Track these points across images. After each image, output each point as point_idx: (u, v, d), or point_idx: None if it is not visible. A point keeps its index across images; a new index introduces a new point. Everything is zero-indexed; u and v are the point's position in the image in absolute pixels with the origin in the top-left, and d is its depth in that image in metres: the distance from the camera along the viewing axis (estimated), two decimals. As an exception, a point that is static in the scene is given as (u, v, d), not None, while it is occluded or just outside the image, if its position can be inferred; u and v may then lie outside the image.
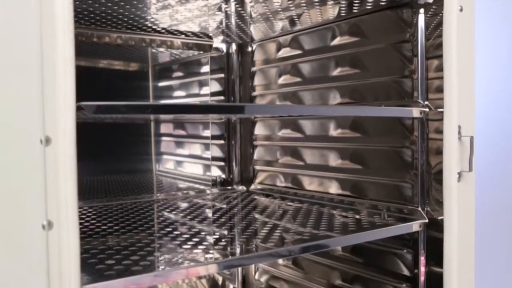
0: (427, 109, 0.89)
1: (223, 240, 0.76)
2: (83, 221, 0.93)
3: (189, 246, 0.73)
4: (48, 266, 0.49)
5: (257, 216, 0.94)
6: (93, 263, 0.64)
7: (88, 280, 0.55)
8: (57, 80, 0.47)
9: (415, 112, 0.88)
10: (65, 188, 0.48)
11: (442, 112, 0.85)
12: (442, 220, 0.87)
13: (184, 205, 1.12)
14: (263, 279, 1.32)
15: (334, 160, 1.10)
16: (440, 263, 0.88)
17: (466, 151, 0.85)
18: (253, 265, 1.36)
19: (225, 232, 0.82)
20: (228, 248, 0.72)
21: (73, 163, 0.48)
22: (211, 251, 0.70)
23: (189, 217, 0.96)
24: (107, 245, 0.73)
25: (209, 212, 1.01)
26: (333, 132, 1.10)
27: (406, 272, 0.95)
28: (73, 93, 0.48)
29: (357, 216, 0.93)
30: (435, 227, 0.89)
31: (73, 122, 0.48)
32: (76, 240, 0.49)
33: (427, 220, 0.90)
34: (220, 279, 1.39)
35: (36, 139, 0.48)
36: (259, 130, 1.32)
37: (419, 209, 0.91)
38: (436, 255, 0.89)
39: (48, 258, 0.49)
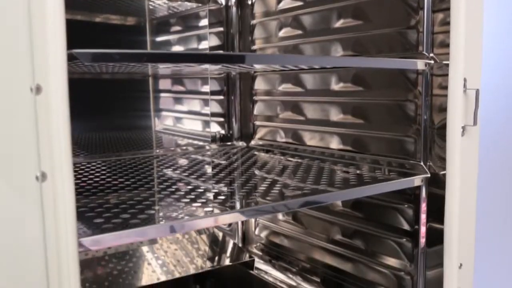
0: (432, 61, 0.86)
1: (222, 195, 0.75)
2: (81, 176, 0.92)
3: (187, 200, 0.72)
4: (44, 219, 0.48)
5: (256, 171, 0.93)
6: (90, 216, 0.63)
7: (86, 233, 0.54)
8: (46, 24, 0.45)
9: (420, 64, 0.86)
10: (58, 138, 0.46)
11: (447, 65, 0.83)
12: (444, 175, 0.86)
13: (183, 160, 1.10)
14: (263, 234, 1.33)
15: (335, 115, 1.08)
16: (440, 220, 0.87)
17: (471, 105, 0.83)
18: (253, 221, 1.36)
19: (224, 187, 0.81)
20: (227, 203, 0.71)
21: (66, 112, 0.46)
22: (210, 205, 0.69)
23: (188, 172, 0.95)
24: (105, 199, 0.72)
25: (208, 168, 1.00)
26: (335, 86, 1.07)
27: (406, 227, 0.95)
28: (63, 38, 0.45)
29: (358, 171, 0.92)
30: (437, 183, 0.88)
31: (65, 70, 0.46)
32: (71, 191, 0.47)
33: (429, 175, 0.88)
34: (220, 235, 1.39)
35: (26, 88, 0.46)
36: (259, 85, 1.30)
37: (421, 163, 0.90)
38: (437, 212, 0.88)
39: (43, 210, 0.48)
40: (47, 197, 0.48)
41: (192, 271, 1.13)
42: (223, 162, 1.07)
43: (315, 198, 0.74)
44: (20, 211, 0.47)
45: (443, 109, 0.85)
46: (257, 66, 1.03)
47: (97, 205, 0.69)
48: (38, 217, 0.48)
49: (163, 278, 1.06)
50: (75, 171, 0.97)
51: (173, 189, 0.79)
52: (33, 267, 0.49)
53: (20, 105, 0.46)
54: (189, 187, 0.81)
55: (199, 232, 1.35)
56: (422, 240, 0.92)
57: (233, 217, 0.67)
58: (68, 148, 0.47)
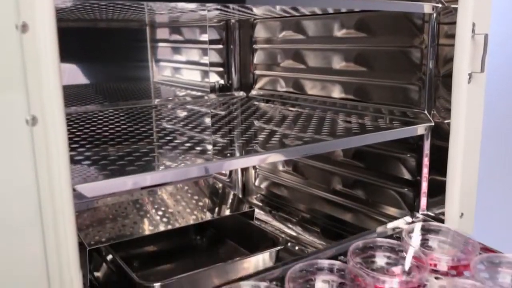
0: (439, 5, 0.83)
1: (219, 144, 0.74)
2: (77, 125, 0.90)
3: (186, 148, 0.70)
4: (36, 165, 0.47)
5: (256, 121, 0.91)
6: (86, 164, 0.61)
7: (80, 179, 0.53)
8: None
9: (427, 7, 0.82)
10: (47, 79, 0.44)
11: (455, 10, 0.80)
12: (448, 124, 0.84)
13: (181, 110, 1.08)
14: (263, 185, 1.32)
15: (337, 63, 1.05)
16: (443, 171, 0.86)
17: (478, 51, 0.80)
18: (253, 172, 1.35)
19: (223, 137, 0.79)
20: (226, 152, 0.69)
21: (55, 51, 0.44)
22: (208, 153, 0.68)
23: (186, 121, 0.93)
24: (102, 147, 0.70)
25: (206, 118, 0.98)
26: (337, 32, 1.04)
27: (408, 176, 0.94)
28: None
29: (361, 121, 0.90)
30: (440, 134, 0.86)
31: (52, 5, 0.43)
32: (64, 135, 0.46)
33: (433, 124, 0.87)
34: (220, 186, 1.39)
35: (11, 25, 0.43)
36: (259, 32, 1.26)
37: (425, 112, 0.88)
38: (439, 163, 0.87)
39: (35, 156, 0.46)
40: (38, 142, 0.46)
41: (192, 221, 1.12)
42: (222, 112, 1.05)
43: (318, 145, 0.72)
44: (10, 156, 0.46)
45: (449, 59, 0.82)
46: (258, 12, 0.99)
47: (93, 153, 0.67)
48: (30, 163, 0.46)
49: (163, 229, 1.06)
50: (71, 121, 0.95)
51: (170, 138, 0.77)
52: (27, 215, 0.48)
53: (6, 44, 0.43)
54: (186, 137, 0.79)
55: (199, 183, 1.35)
56: (424, 190, 0.91)
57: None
58: (58, 90, 0.45)
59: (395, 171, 0.96)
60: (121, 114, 1.01)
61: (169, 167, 0.59)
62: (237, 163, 0.71)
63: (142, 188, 1.24)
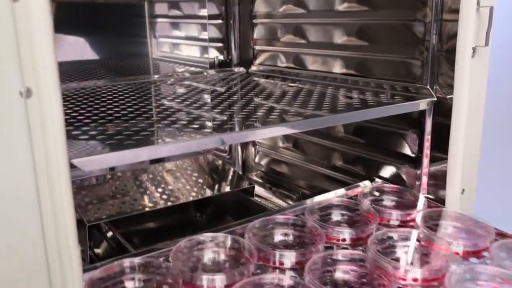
0: (444, -23, 0.81)
1: (218, 120, 0.73)
2: (74, 101, 0.89)
3: (185, 122, 0.69)
4: (31, 138, 0.46)
5: (256, 97, 0.90)
6: (83, 139, 0.60)
7: (78, 153, 0.52)
8: None
9: (431, -21, 0.80)
10: (41, 50, 0.43)
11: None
12: (451, 99, 0.83)
13: (180, 86, 1.07)
14: (263, 162, 1.32)
15: (339, 37, 1.03)
16: (444, 148, 0.85)
17: (483, 24, 0.78)
18: (253, 149, 1.35)
19: (221, 112, 0.78)
20: (225, 127, 0.68)
21: (48, 20, 0.42)
22: (207, 129, 0.67)
23: (185, 97, 0.92)
24: (100, 122, 0.69)
25: (205, 94, 0.96)
26: (339, 6, 1.02)
27: (409, 153, 0.93)
28: None
29: (362, 96, 0.89)
30: (443, 111, 0.85)
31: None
32: (59, 107, 0.44)
33: (435, 99, 0.85)
34: (220, 163, 1.38)
35: (2, -7, 0.41)
36: (259, 7, 1.23)
37: (428, 87, 0.87)
38: (441, 139, 0.86)
39: (30, 129, 0.45)
40: (33, 115, 0.45)
41: (192, 198, 1.12)
42: (221, 88, 1.04)
43: (318, 120, 0.71)
44: (4, 130, 0.45)
45: (453, 34, 0.81)
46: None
47: (91, 128, 0.66)
48: (25, 137, 0.45)
49: (163, 205, 1.06)
50: (68, 97, 0.93)
51: (169, 113, 0.76)
52: (23, 190, 0.47)
53: (-3, 13, 0.42)
54: (185, 112, 0.78)
55: (199, 160, 1.34)
56: (425, 166, 0.90)
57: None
58: (53, 61, 0.44)
59: (396, 147, 0.95)
60: (120, 90, 1.00)
61: (175, 141, 0.58)
62: (238, 137, 0.70)
63: (152, 162, 1.23)
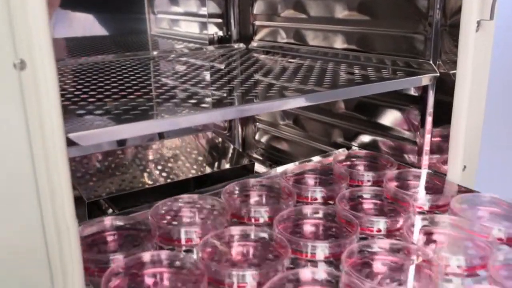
0: None
1: (216, 96, 0.71)
2: (72, 76, 0.88)
3: (183, 97, 0.68)
4: (26, 112, 0.45)
5: (255, 73, 0.88)
6: (81, 113, 0.59)
7: (74, 128, 0.51)
8: None
9: (435, -50, 0.78)
10: (34, 17, 0.41)
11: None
12: (454, 75, 0.81)
13: (178, 63, 1.05)
14: (264, 139, 1.31)
15: (340, 12, 1.01)
16: (446, 125, 0.84)
17: (488, -4, 0.76)
18: (252, 126, 1.34)
19: (219, 88, 0.77)
20: (224, 102, 0.67)
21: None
22: (205, 104, 0.66)
23: (183, 73, 0.91)
24: (97, 98, 0.68)
25: (204, 70, 0.95)
26: (341, -20, 1.00)
27: (411, 129, 0.92)
28: None
29: (363, 72, 0.87)
30: (445, 88, 0.83)
31: None
32: (54, 79, 0.43)
33: (438, 74, 0.84)
34: (220, 140, 1.37)
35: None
36: (259, -19, 1.21)
37: (430, 62, 0.85)
38: (443, 116, 0.85)
39: (24, 103, 0.44)
40: (28, 88, 0.44)
41: (191, 175, 1.12)
42: (220, 64, 1.02)
43: (321, 94, 0.70)
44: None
45: (457, 8, 0.79)
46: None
47: (88, 103, 0.65)
48: (20, 110, 0.44)
49: (162, 182, 1.06)
50: (65, 73, 0.92)
51: (167, 89, 0.75)
52: (18, 165, 0.46)
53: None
54: (183, 88, 0.77)
55: (198, 139, 1.33)
56: (427, 143, 0.89)
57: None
58: (47, 32, 0.43)
59: (398, 124, 0.95)
60: (118, 66, 0.98)
61: (174, 115, 0.58)
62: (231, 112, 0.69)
63: (151, 140, 1.22)
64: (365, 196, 0.81)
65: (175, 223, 0.74)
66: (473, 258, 0.61)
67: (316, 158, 1.02)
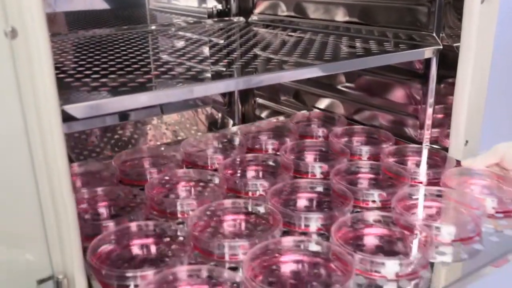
0: None
1: (214, 69, 0.70)
2: (68, 49, 0.86)
3: (182, 70, 0.67)
4: (19, 83, 0.43)
5: (254, 47, 0.86)
6: (77, 85, 0.58)
7: (70, 99, 0.50)
8: None
9: None
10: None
11: None
12: (457, 47, 0.80)
13: (177, 36, 1.04)
14: (264, 114, 1.30)
15: (342, -17, 0.99)
16: (449, 99, 0.83)
17: (494, -34, 0.74)
18: (252, 101, 1.32)
19: (217, 62, 0.75)
20: (223, 74, 0.66)
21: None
22: (201, 77, 0.64)
23: (182, 46, 0.89)
24: (93, 70, 0.67)
25: (203, 43, 0.93)
26: (343, -50, 0.97)
27: (413, 104, 0.91)
28: None
29: (365, 45, 0.85)
30: (448, 62, 0.82)
31: None
32: (48, 49, 0.42)
33: (441, 47, 0.82)
34: (219, 116, 1.36)
35: None
36: (259, -48, 1.18)
37: (434, 34, 0.84)
38: (446, 90, 0.84)
39: (17, 73, 0.43)
40: (20, 57, 0.42)
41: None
42: (219, 38, 1.00)
43: (322, 66, 0.69)
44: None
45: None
46: None
47: (85, 76, 0.63)
48: (12, 81, 0.43)
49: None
50: (61, 47, 0.90)
51: (164, 62, 0.74)
52: (12, 139, 0.45)
53: None
54: (181, 61, 0.75)
55: (198, 113, 1.32)
56: (429, 118, 0.88)
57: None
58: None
59: (400, 98, 0.93)
60: (115, 39, 0.97)
61: (172, 87, 0.56)
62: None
63: (151, 115, 1.21)
64: (362, 170, 0.81)
65: (170, 196, 0.75)
66: (464, 229, 0.62)
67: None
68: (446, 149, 0.85)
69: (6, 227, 0.47)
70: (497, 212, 0.67)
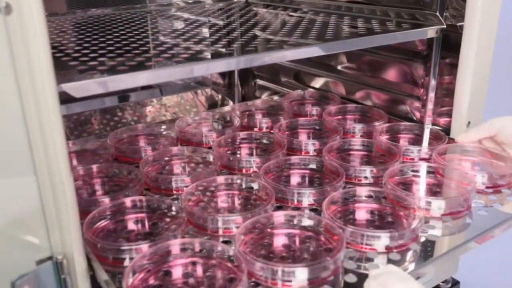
0: None
1: (213, 48, 0.69)
2: (65, 29, 0.85)
3: (181, 50, 0.65)
4: (14, 60, 0.42)
5: (254, 28, 0.85)
6: (74, 65, 0.57)
7: (66, 78, 0.49)
8: None
9: None
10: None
11: None
12: (461, 27, 0.78)
13: (176, 16, 1.02)
14: (264, 96, 1.29)
15: (344, -39, 0.97)
16: (451, 80, 0.82)
17: None
18: (252, 83, 1.31)
19: (216, 41, 0.74)
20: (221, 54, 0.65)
21: None
22: (205, 53, 0.63)
23: (181, 26, 0.88)
24: (91, 49, 0.65)
25: (202, 24, 0.92)
26: None
27: (415, 85, 0.90)
28: None
29: (367, 25, 0.84)
30: (451, 43, 0.81)
31: None
32: (43, 25, 0.41)
33: (444, 26, 0.81)
34: (219, 98, 1.35)
35: None
36: None
37: (437, 13, 0.82)
38: (448, 72, 0.83)
39: (12, 50, 0.42)
40: (14, 34, 0.41)
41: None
42: (219, 18, 0.99)
43: (322, 45, 0.68)
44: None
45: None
46: None
47: (82, 55, 0.62)
48: (7, 58, 0.42)
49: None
50: (58, 26, 0.89)
51: (163, 41, 0.73)
52: (9, 121, 0.44)
53: None
54: (180, 41, 0.74)
55: (197, 94, 1.31)
56: (431, 98, 0.87)
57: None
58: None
59: (403, 79, 0.92)
60: (113, 19, 0.95)
61: (171, 65, 0.55)
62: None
63: (150, 96, 1.20)
64: (354, 147, 0.82)
65: (165, 173, 0.76)
66: (454, 204, 0.62)
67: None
68: (448, 130, 0.84)
69: (4, 208, 0.46)
70: (487, 187, 0.68)
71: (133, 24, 0.89)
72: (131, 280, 0.49)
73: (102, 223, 0.60)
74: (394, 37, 0.76)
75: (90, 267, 0.54)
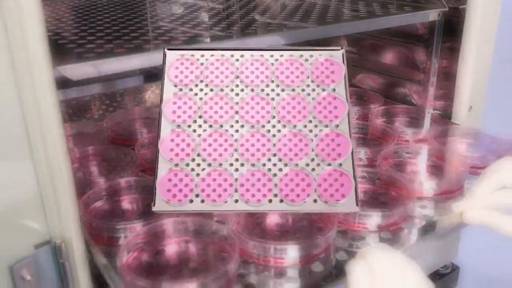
0: None
1: (212, 32, 0.68)
2: (62, 13, 0.84)
3: (180, 34, 0.65)
4: (10, 44, 0.42)
5: (253, 11, 0.83)
6: (71, 47, 0.56)
7: (64, 60, 0.48)
8: None
9: None
10: None
11: None
12: (463, 10, 0.77)
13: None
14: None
15: None
16: (453, 65, 0.81)
17: None
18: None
19: (215, 25, 0.73)
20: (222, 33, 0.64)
21: None
22: (200, 38, 0.63)
23: (179, 9, 0.86)
24: (88, 32, 0.65)
25: (200, 7, 0.90)
26: None
27: (417, 69, 0.89)
28: None
29: (368, 8, 0.83)
30: (453, 26, 0.80)
31: None
32: (39, 8, 0.40)
33: (447, 9, 0.80)
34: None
35: None
36: None
37: (440, -4, 0.81)
38: (450, 57, 0.82)
39: (8, 36, 0.41)
40: (11, 18, 0.40)
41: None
42: (217, 1, 0.97)
43: (323, 28, 0.67)
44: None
45: None
46: None
47: (79, 37, 0.61)
48: (3, 43, 0.41)
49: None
50: (55, 10, 0.88)
51: (162, 24, 0.72)
52: (6, 108, 0.44)
53: None
54: (177, 25, 0.73)
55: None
56: (432, 82, 0.87)
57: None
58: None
59: (404, 63, 0.92)
60: (111, 3, 0.94)
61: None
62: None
63: (148, 81, 1.19)
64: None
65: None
66: (446, 184, 0.63)
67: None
68: (450, 115, 0.83)
69: (1, 192, 0.46)
70: (479, 168, 0.68)
71: (131, 7, 0.88)
72: (125, 258, 0.50)
73: (98, 204, 0.62)
74: (395, 20, 0.75)
75: (89, 252, 0.53)
